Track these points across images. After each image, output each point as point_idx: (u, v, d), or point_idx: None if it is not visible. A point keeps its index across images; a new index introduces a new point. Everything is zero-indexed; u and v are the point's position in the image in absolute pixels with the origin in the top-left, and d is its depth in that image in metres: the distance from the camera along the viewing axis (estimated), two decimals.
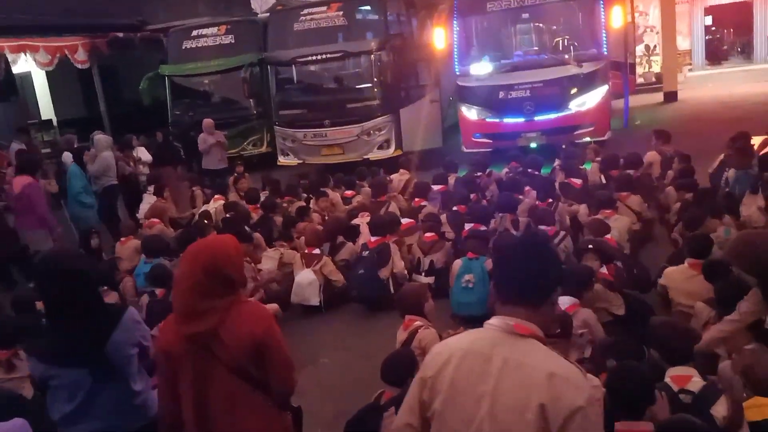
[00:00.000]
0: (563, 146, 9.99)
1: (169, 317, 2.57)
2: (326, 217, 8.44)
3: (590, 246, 5.03)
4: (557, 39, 11.82)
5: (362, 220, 7.58)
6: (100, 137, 10.63)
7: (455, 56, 11.89)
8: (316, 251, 6.51)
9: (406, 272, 6.48)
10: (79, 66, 16.43)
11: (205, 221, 8.11)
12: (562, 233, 6.29)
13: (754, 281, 3.30)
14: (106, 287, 5.70)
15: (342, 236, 7.15)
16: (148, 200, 9.85)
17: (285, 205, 8.94)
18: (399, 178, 9.73)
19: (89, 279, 2.74)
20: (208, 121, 12.07)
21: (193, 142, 13.20)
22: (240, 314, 2.44)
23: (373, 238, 6.57)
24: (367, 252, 6.49)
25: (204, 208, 9.41)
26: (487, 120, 11.66)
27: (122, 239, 7.61)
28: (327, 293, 6.44)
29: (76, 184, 8.91)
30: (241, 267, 2.50)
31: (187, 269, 2.46)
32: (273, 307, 5.45)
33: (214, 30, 14.84)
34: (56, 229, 7.34)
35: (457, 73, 11.92)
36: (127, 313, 2.83)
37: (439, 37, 12.05)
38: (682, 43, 20.53)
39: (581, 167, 8.91)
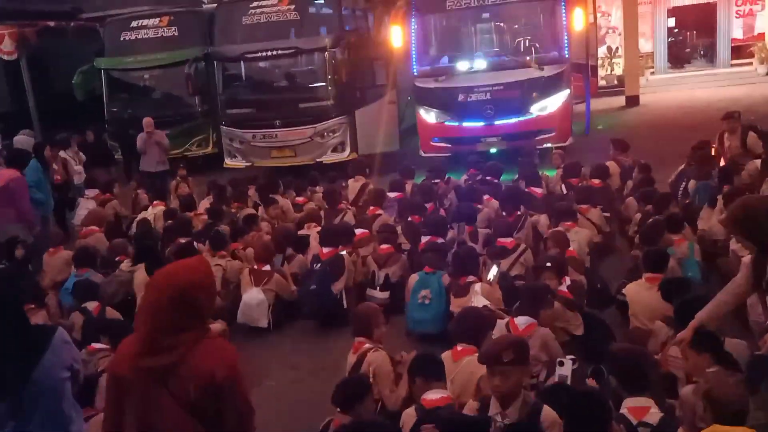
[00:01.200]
0: (523, 153, 10.16)
1: (126, 340, 2.44)
2: (276, 227, 8.40)
3: (548, 264, 5.12)
4: (518, 40, 12.02)
5: (312, 231, 7.55)
6: (20, 138, 10.32)
7: (413, 56, 11.96)
8: (267, 268, 6.45)
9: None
10: (5, 57, 15.89)
11: (144, 229, 7.92)
12: (522, 246, 6.39)
13: (753, 249, 3.24)
14: (33, 305, 5.52)
15: (291, 247, 7.09)
16: (86, 205, 9.62)
17: (233, 211, 8.84)
18: (354, 184, 9.74)
19: (11, 301, 2.65)
20: (147, 120, 11.82)
21: (132, 141, 12.95)
22: (204, 351, 2.34)
23: (325, 249, 6.54)
24: (318, 264, 6.45)
25: (142, 214, 9.25)
26: (446, 123, 11.76)
27: (51, 249, 7.38)
28: (277, 310, 6.38)
29: (29, 178, 8.73)
30: (212, 298, 2.39)
31: (153, 298, 2.33)
32: (216, 328, 5.37)
33: (155, 21, 14.56)
34: (36, 226, 7.44)
35: (415, 74, 11.99)
36: (57, 334, 2.74)
37: (397, 35, 12.12)
38: (645, 46, 21.16)
39: (543, 173, 9.11)
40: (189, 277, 2.35)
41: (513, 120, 11.45)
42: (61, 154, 11.06)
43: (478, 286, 5.50)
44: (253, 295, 6.28)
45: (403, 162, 11.05)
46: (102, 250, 7.46)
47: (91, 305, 5.69)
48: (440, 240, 6.66)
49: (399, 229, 7.35)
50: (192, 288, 2.32)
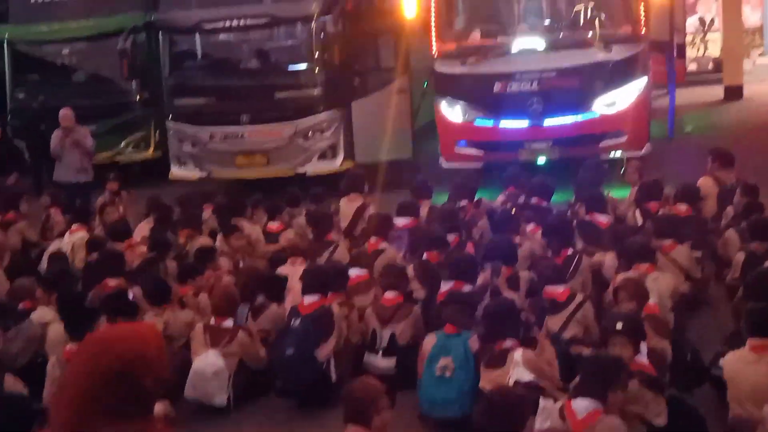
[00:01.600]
0: (583, 165, 10.21)
1: None
2: (240, 264, 8.38)
3: (619, 326, 5.13)
4: (577, 9, 12.12)
5: (293, 270, 7.55)
6: None
7: (433, 30, 12.07)
8: (227, 323, 6.46)
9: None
10: None
11: (60, 266, 7.95)
12: (579, 298, 6.40)
13: None
14: None
15: (262, 294, 7.12)
16: None
17: (181, 242, 8.87)
18: (348, 205, 9.80)
19: None
20: (65, 112, 11.97)
21: (44, 140, 13.05)
22: None
23: (307, 299, 6.55)
24: (298, 320, 6.47)
25: (56, 244, 9.29)
26: (477, 123, 11.83)
27: None
28: (239, 383, 6.37)
29: None
30: (162, 379, 2.40)
31: (80, 372, 2.34)
32: (157, 410, 5.36)
33: None
34: None
35: (435, 55, 12.07)
36: None
37: (411, 1, 12.24)
38: (751, 17, 21.35)
39: (609, 195, 9.13)
40: (133, 351, 2.35)
41: (569, 119, 11.52)
42: None
43: (519, 354, 5.50)
44: (208, 361, 6.27)
45: (417, 175, 11.11)
46: (1, 293, 7.48)
47: None
48: (467, 287, 6.66)
49: (410, 270, 7.34)
50: (136, 365, 2.33)
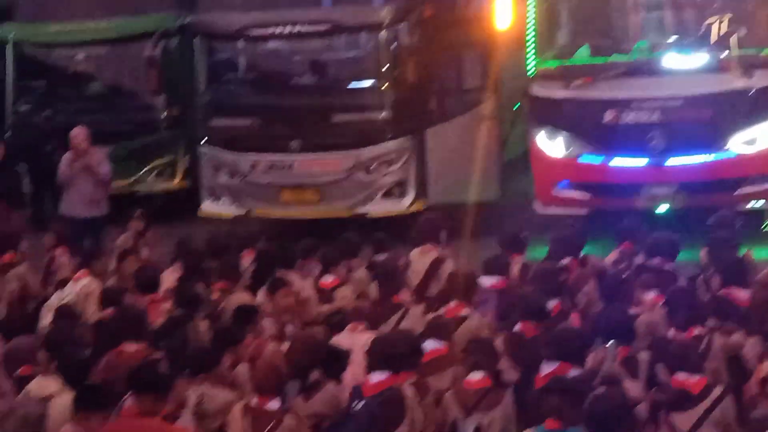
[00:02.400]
0: (715, 217, 10.07)
1: None
2: (288, 329, 8.38)
3: None
4: (710, 22, 12.04)
5: (354, 339, 7.56)
6: None
7: (531, 44, 12.11)
8: (273, 404, 6.42)
9: None
10: None
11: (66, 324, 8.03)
12: (718, 391, 6.25)
13: None
14: None
15: (317, 369, 7.08)
16: None
17: (215, 297, 8.92)
18: (421, 258, 9.78)
19: None
20: (78, 131, 12.21)
21: (48, 164, 13.32)
22: None
23: (374, 377, 6.54)
24: (361, 403, 6.45)
25: (59, 295, 9.34)
26: (582, 160, 11.87)
27: None
28: None
29: None
30: None
31: None
32: None
33: None
34: None
35: (533, 74, 12.12)
36: None
37: (504, 9, 12.27)
38: None
39: (749, 257, 8.95)
40: None
41: (698, 159, 11.45)
42: None
43: None
44: None
45: (507, 223, 11.06)
46: None
47: None
48: (574, 371, 6.56)
49: (499, 344, 7.27)
50: None
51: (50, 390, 6.73)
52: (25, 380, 6.99)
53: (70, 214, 12.18)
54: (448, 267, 9.42)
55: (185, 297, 8.57)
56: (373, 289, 9.39)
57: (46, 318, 8.88)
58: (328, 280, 9.46)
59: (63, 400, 6.48)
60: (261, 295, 9.03)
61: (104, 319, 8.28)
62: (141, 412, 5.96)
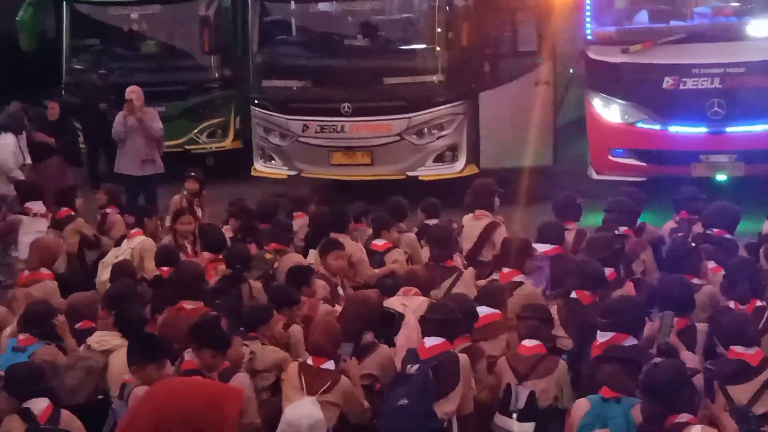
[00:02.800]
0: None
1: None
2: (341, 289, 8.50)
3: None
4: None
5: (408, 302, 7.63)
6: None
7: (587, 7, 12.01)
8: (328, 364, 6.56)
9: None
10: None
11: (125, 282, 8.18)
12: None
13: None
14: None
15: (371, 331, 7.20)
16: (30, 229, 10.08)
17: (268, 257, 9.04)
18: (473, 223, 9.81)
19: None
20: (133, 89, 12.35)
21: (102, 122, 13.49)
22: None
23: (429, 341, 6.61)
24: (416, 366, 6.52)
25: (111, 253, 9.57)
26: (639, 126, 11.78)
27: None
28: None
29: None
30: None
31: (142, 426, 2.59)
32: None
33: None
34: None
35: (589, 38, 12.04)
36: None
37: None
38: None
39: None
40: (204, 411, 2.62)
41: (759, 127, 11.34)
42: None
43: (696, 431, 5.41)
44: (303, 411, 6.34)
45: (562, 189, 11.02)
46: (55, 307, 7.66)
47: (38, 406, 5.90)
48: (630, 341, 6.55)
49: (554, 311, 7.32)
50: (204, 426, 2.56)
51: (110, 344, 6.92)
52: (85, 334, 7.19)
53: (124, 172, 12.35)
54: (501, 233, 9.44)
55: (239, 257, 8.66)
56: (425, 253, 9.51)
57: (104, 274, 9.10)
58: (380, 243, 9.53)
59: (123, 353, 6.63)
60: (313, 257, 9.15)
61: (161, 276, 8.45)
62: (200, 367, 6.13)
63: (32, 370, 6.21)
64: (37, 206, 10.53)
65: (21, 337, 6.99)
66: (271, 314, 7.23)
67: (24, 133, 12.46)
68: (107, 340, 6.96)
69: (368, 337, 7.12)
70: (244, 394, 6.24)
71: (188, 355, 6.28)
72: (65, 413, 6.02)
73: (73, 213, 10.43)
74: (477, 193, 10.17)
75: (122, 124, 12.29)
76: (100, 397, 6.72)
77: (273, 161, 13.53)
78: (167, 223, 10.60)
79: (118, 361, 6.66)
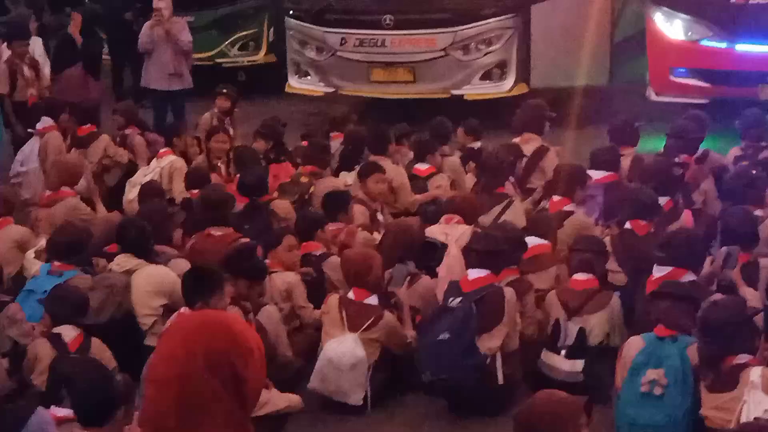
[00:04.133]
0: None
1: None
2: (381, 215, 8.56)
3: None
4: None
5: (450, 231, 7.66)
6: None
7: None
8: (371, 299, 6.63)
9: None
10: None
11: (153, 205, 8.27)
12: None
13: None
14: None
15: (411, 261, 7.27)
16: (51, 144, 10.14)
17: (303, 181, 9.10)
18: (522, 147, 9.71)
19: None
20: None
21: (128, 32, 13.47)
22: None
23: (473, 273, 6.66)
24: (458, 299, 6.58)
25: (139, 173, 9.68)
26: (704, 44, 11.63)
27: None
28: (379, 377, 6.59)
29: None
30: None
31: (174, 357, 2.71)
32: (290, 400, 5.74)
33: None
34: None
35: None
36: (33, 420, 3.00)
37: None
38: None
39: None
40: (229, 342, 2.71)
41: None
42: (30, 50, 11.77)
43: (757, 374, 5.42)
44: (345, 348, 6.49)
45: (618, 111, 10.98)
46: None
47: (69, 333, 6.09)
48: (689, 276, 6.57)
49: (608, 242, 7.33)
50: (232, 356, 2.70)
51: (131, 264, 7.04)
52: (111, 257, 7.30)
53: (151, 86, 12.37)
54: (552, 158, 9.41)
55: (251, 185, 8.57)
56: (469, 179, 9.51)
57: (131, 193, 9.24)
58: (422, 167, 9.52)
59: (146, 272, 6.90)
60: (351, 181, 9.20)
61: (190, 200, 8.55)
62: (236, 295, 6.26)
63: (79, 296, 6.41)
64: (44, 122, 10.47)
65: (56, 262, 7.12)
66: (279, 238, 7.38)
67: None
68: (128, 260, 7.08)
69: (409, 267, 7.19)
70: (273, 328, 6.41)
71: None
72: (96, 342, 6.23)
73: (96, 130, 10.47)
74: (526, 114, 10.12)
75: (149, 35, 12.23)
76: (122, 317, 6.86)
77: (308, 77, 13.44)
78: (196, 143, 10.63)
79: (141, 280, 6.88)
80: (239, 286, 6.37)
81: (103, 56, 13.97)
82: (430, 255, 7.46)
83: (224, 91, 11.43)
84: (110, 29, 14.55)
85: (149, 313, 6.82)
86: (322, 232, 7.73)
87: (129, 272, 7.00)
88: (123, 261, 7.10)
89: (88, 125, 10.50)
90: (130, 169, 10.02)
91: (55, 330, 6.13)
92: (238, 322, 2.88)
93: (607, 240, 7.42)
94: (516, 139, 9.86)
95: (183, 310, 6.02)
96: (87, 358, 5.94)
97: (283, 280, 7.01)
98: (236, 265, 6.49)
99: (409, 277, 7.13)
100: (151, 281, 6.87)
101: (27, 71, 11.52)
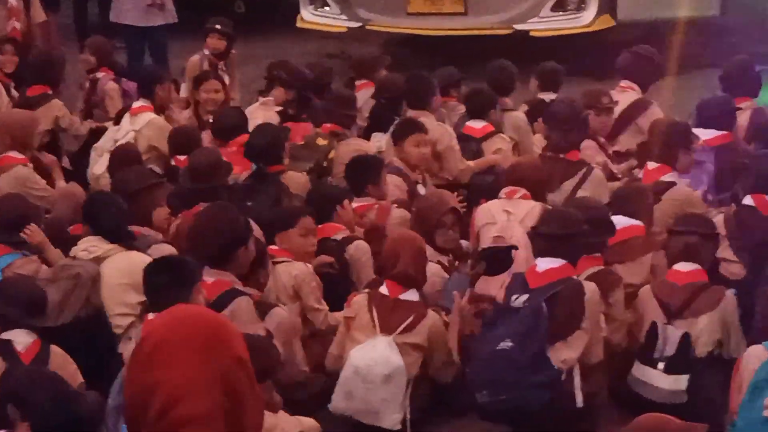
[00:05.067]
0: None
1: None
2: (423, 188, 8.62)
3: None
4: None
5: (513, 208, 7.69)
6: None
7: None
8: (410, 294, 6.70)
9: None
10: None
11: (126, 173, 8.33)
12: None
13: None
14: None
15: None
16: None
17: (321, 144, 9.17)
18: (615, 95, 9.74)
19: None
20: None
21: None
22: None
23: (543, 264, 6.68)
24: (524, 297, 6.60)
25: (107, 135, 9.69)
26: None
27: None
28: (421, 393, 6.64)
29: None
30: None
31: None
32: (302, 425, 5.77)
33: None
34: None
35: None
36: None
37: None
38: None
39: None
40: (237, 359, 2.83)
41: None
42: None
43: None
44: (376, 355, 6.53)
45: (733, 51, 10.94)
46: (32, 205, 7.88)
47: (22, 340, 6.15)
48: None
49: (720, 223, 7.34)
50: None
51: (102, 249, 7.10)
52: (75, 240, 7.38)
53: (124, 21, 12.42)
54: (650, 113, 9.46)
55: (258, 147, 8.65)
56: (538, 140, 9.51)
57: (98, 163, 9.29)
58: (476, 125, 9.53)
59: (118, 259, 7.00)
60: (384, 144, 9.25)
61: (176, 167, 8.67)
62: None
63: (33, 291, 6.44)
64: None
65: None
66: (293, 219, 7.39)
67: None
68: (97, 245, 7.11)
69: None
70: (284, 334, 6.47)
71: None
72: (57, 352, 6.23)
73: (50, 92, 10.33)
74: (617, 57, 10.17)
75: None
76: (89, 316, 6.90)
77: (327, 7, 13.53)
78: (183, 92, 10.69)
79: (114, 269, 6.92)
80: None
81: None
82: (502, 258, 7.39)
83: (217, 27, 11.36)
84: None
85: (124, 312, 6.88)
86: (344, 210, 7.76)
87: (99, 260, 7.03)
88: (91, 246, 7.13)
89: (40, 85, 10.28)
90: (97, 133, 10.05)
91: (4, 336, 6.15)
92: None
93: (718, 219, 7.41)
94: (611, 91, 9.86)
95: (151, 316, 6.04)
96: (45, 372, 5.95)
97: (290, 272, 7.04)
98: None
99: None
100: (127, 271, 6.89)
101: None
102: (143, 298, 6.73)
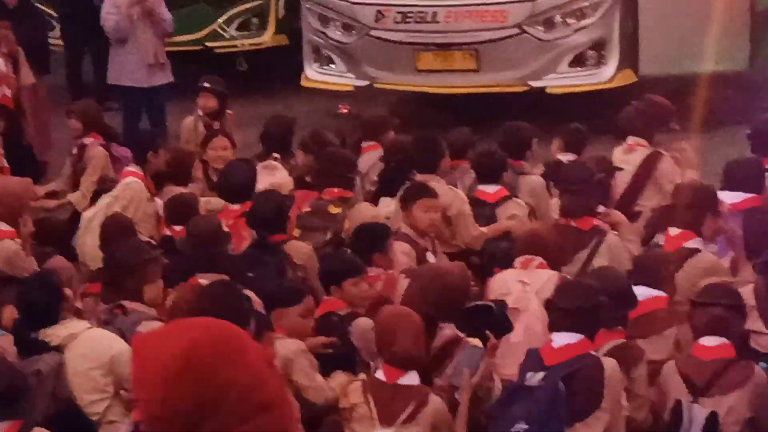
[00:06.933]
0: None
1: None
2: (433, 257, 8.57)
3: None
4: None
5: (529, 278, 7.66)
6: None
7: None
8: (409, 378, 6.65)
9: None
10: None
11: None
12: None
13: None
14: None
15: (448, 322, 7.28)
16: None
17: (333, 211, 9.16)
18: (625, 159, 9.84)
19: None
20: None
21: (87, 9, 13.59)
22: None
23: (559, 339, 6.60)
24: (539, 375, 6.52)
25: (103, 203, 9.61)
26: None
27: None
28: None
29: None
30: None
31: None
32: None
33: None
34: None
35: None
36: None
37: None
38: None
39: None
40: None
41: None
42: None
43: None
44: None
45: (761, 108, 10.91)
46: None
47: None
48: None
49: (749, 293, 7.26)
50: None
51: (67, 332, 6.93)
52: None
53: (124, 82, 12.48)
54: (668, 172, 9.46)
55: (262, 213, 8.69)
56: (555, 205, 9.46)
57: (86, 235, 9.25)
58: (490, 190, 9.52)
59: (83, 343, 6.87)
60: (391, 209, 9.24)
61: (172, 238, 8.67)
62: None
63: (14, 379, 6.32)
64: None
65: None
66: (296, 299, 7.33)
67: None
68: (53, 333, 6.95)
69: (446, 331, 7.20)
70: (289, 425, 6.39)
71: None
72: None
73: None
74: (633, 113, 10.18)
75: (125, 14, 12.29)
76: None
77: (332, 65, 13.61)
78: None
79: (76, 355, 6.81)
80: None
81: (53, 42, 14.15)
82: (501, 313, 7.36)
83: (206, 85, 11.42)
84: (63, 3, 14.67)
85: (97, 399, 6.77)
86: (353, 287, 7.66)
87: (60, 348, 6.91)
88: (52, 330, 6.98)
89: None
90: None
91: None
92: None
93: (747, 290, 7.33)
94: (619, 149, 9.94)
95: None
96: None
97: (278, 351, 6.86)
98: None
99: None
100: (91, 356, 6.81)
101: None
102: (113, 376, 6.70)
